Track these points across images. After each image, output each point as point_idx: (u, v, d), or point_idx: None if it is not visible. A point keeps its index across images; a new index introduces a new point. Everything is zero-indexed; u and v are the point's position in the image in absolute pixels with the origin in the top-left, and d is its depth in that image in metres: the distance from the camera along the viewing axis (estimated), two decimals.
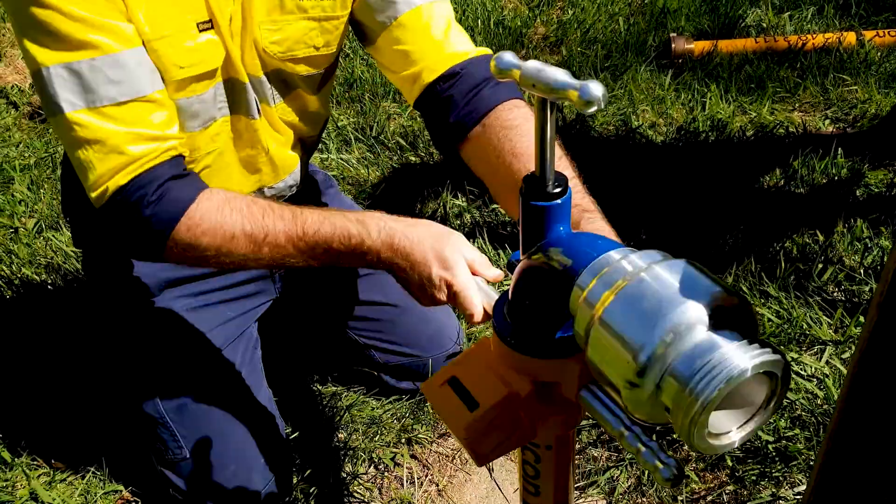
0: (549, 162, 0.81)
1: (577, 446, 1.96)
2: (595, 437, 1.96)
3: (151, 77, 1.31)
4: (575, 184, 1.33)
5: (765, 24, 3.76)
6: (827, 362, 2.03)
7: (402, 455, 1.99)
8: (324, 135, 3.09)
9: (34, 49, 1.23)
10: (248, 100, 1.51)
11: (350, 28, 1.57)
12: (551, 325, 0.86)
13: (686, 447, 1.90)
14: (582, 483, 1.89)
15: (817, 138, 2.93)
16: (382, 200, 2.79)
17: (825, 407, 1.90)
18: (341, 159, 3.00)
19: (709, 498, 1.82)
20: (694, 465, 1.88)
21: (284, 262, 1.33)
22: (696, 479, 1.85)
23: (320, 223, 1.31)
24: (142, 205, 1.27)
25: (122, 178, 1.27)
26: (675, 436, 1.91)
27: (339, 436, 2.01)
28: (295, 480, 1.87)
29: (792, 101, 3.21)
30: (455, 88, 1.44)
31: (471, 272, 1.28)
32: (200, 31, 1.37)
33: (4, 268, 2.61)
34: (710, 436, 0.70)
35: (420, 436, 2.02)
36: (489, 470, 1.97)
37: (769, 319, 2.16)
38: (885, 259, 0.58)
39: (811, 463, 1.80)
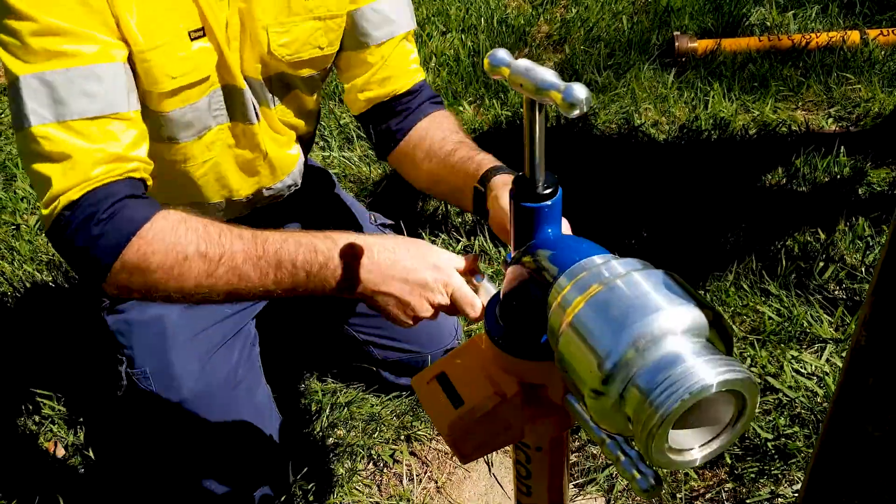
0: (539, 163, 0.80)
1: (577, 444, 1.95)
2: None
3: (127, 95, 1.26)
4: (474, 148, 1.52)
5: (768, 23, 3.75)
6: (827, 360, 2.03)
7: (402, 452, 1.98)
8: (326, 133, 3.09)
9: (8, 59, 1.20)
10: (247, 105, 1.50)
11: None
12: (538, 326, 0.85)
13: None
14: (581, 480, 1.89)
15: (820, 137, 2.92)
16: (384, 198, 2.79)
17: (825, 405, 1.90)
18: (343, 157, 3.00)
19: (708, 495, 1.82)
20: None
21: (242, 289, 1.21)
22: (696, 476, 1.85)
23: (283, 241, 1.21)
24: (91, 222, 1.18)
25: (74, 194, 1.19)
26: None
27: (338, 432, 2.01)
28: (293, 477, 1.87)
29: (795, 100, 3.20)
30: (410, 103, 1.62)
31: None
32: (192, 39, 1.36)
33: (6, 265, 2.61)
34: (672, 451, 0.69)
35: (419, 432, 2.01)
36: (488, 466, 1.97)
37: (770, 317, 2.16)
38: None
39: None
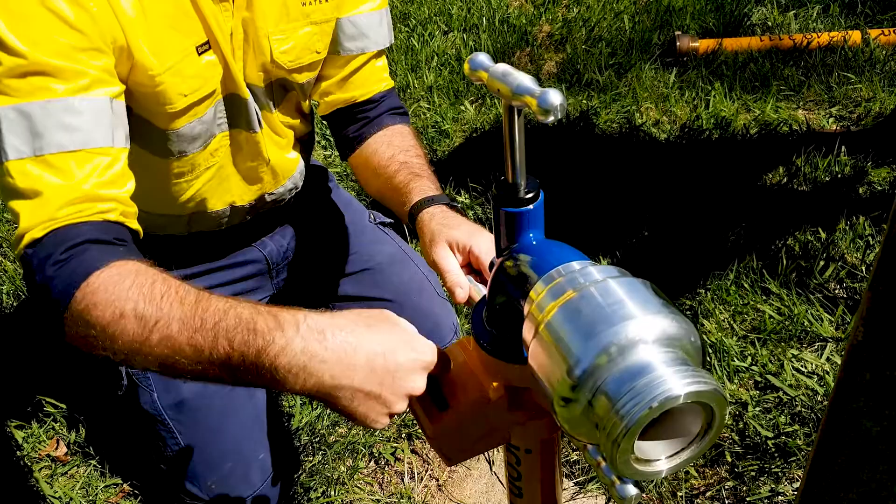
0: (520, 168, 0.80)
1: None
2: None
3: (112, 131, 1.19)
4: (422, 166, 1.57)
5: (770, 23, 3.75)
6: (828, 359, 2.03)
7: (403, 450, 1.99)
8: (327, 132, 3.09)
9: None
10: (250, 113, 1.50)
11: None
12: (521, 330, 0.85)
13: None
14: (582, 479, 1.89)
15: (821, 136, 2.93)
16: None
17: (825, 404, 1.90)
18: None
19: (708, 493, 1.82)
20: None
21: (177, 364, 1.02)
22: (696, 474, 1.85)
23: (224, 312, 1.00)
24: (48, 262, 1.09)
25: (38, 232, 1.11)
26: None
27: (340, 430, 2.01)
28: (295, 475, 1.88)
29: (796, 99, 3.20)
30: (371, 112, 1.65)
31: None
32: (200, 53, 1.35)
33: (7, 263, 2.62)
34: (639, 461, 0.68)
35: (420, 431, 2.02)
36: (489, 465, 1.97)
37: (770, 316, 2.16)
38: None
39: None
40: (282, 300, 1.91)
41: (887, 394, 0.68)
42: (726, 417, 0.69)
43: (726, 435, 1.91)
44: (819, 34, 3.46)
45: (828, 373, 1.99)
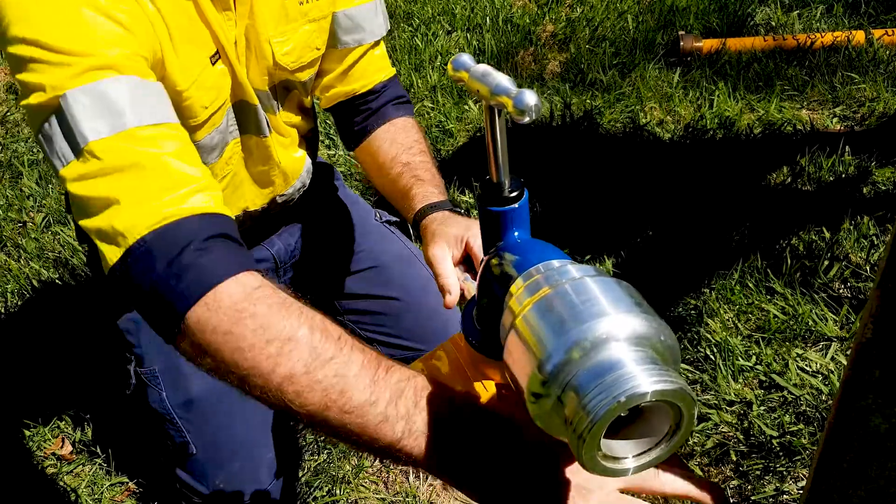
0: (503, 167, 0.81)
1: None
2: None
3: (173, 112, 1.13)
4: (426, 165, 1.57)
5: (773, 23, 3.75)
6: (832, 358, 2.03)
7: None
8: (331, 132, 3.10)
9: (48, 91, 1.04)
10: (259, 119, 1.50)
11: None
12: None
13: (690, 444, 1.90)
14: None
15: (825, 136, 2.93)
16: None
17: (830, 403, 1.90)
18: (349, 155, 3.01)
19: None
20: (698, 459, 1.88)
21: (331, 411, 0.88)
22: (701, 473, 1.86)
23: (408, 378, 0.90)
24: (183, 252, 0.96)
25: (156, 215, 0.99)
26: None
27: None
28: (301, 474, 1.88)
29: (800, 99, 3.20)
30: (373, 103, 1.65)
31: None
32: (213, 64, 1.35)
33: (13, 262, 2.62)
34: (606, 458, 0.69)
35: None
36: None
37: (775, 315, 2.16)
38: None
39: None
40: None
41: None
42: (695, 419, 0.69)
43: (731, 434, 1.91)
44: (823, 34, 3.47)
45: (832, 372, 1.99)
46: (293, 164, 1.67)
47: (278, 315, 0.92)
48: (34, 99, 1.05)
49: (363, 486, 1.91)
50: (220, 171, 1.51)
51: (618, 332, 0.66)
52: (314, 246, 1.86)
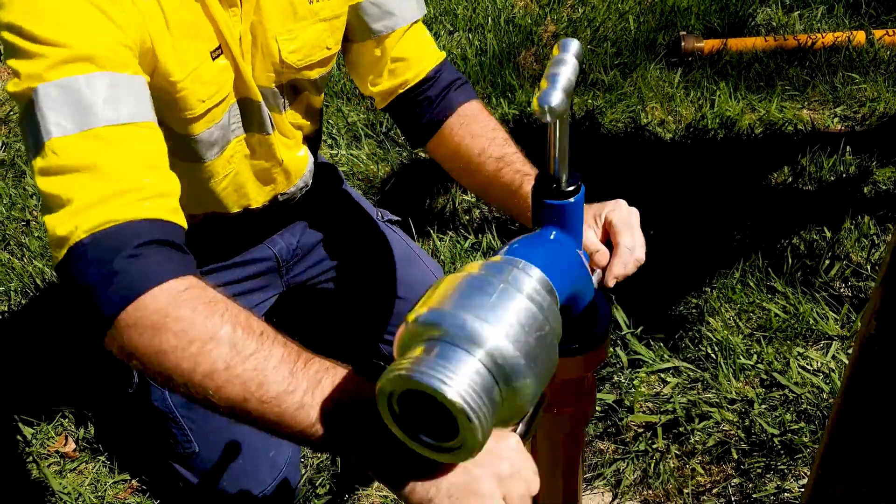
0: (561, 161, 0.85)
1: (585, 439, 1.96)
2: (602, 430, 1.97)
3: (152, 109, 1.14)
4: (520, 156, 1.48)
5: (774, 23, 3.75)
6: (833, 357, 2.04)
7: None
8: (333, 131, 3.11)
9: (24, 81, 1.06)
10: (263, 116, 1.50)
11: None
12: None
13: (692, 442, 1.91)
14: (588, 475, 1.90)
15: (826, 136, 2.93)
16: (391, 196, 2.80)
17: (831, 401, 1.91)
18: (351, 155, 3.02)
19: (714, 490, 1.83)
20: (700, 457, 1.89)
21: (250, 402, 0.94)
22: (702, 472, 1.86)
23: (327, 368, 0.96)
24: (114, 255, 0.98)
25: (100, 216, 1.00)
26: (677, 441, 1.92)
27: None
28: (303, 472, 1.89)
29: (801, 99, 3.21)
30: (430, 91, 1.58)
31: None
32: (214, 59, 1.35)
33: (16, 260, 2.63)
34: (405, 426, 0.77)
35: None
36: None
37: (776, 314, 2.17)
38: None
39: None
40: (291, 298, 1.93)
41: None
42: (475, 443, 0.73)
43: (732, 432, 1.91)
44: (823, 34, 3.47)
45: (833, 370, 2.00)
46: (296, 164, 1.67)
47: (202, 316, 0.96)
48: (11, 87, 1.08)
49: (365, 485, 1.92)
50: (221, 170, 1.51)
51: (470, 335, 0.72)
52: (317, 245, 1.87)
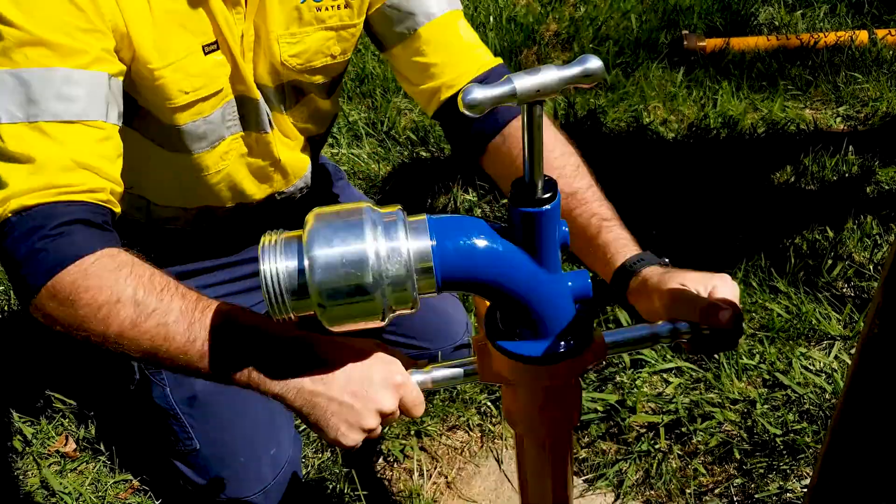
0: (537, 168, 0.84)
1: (587, 440, 1.96)
2: (604, 431, 1.97)
3: (106, 107, 1.19)
4: (594, 192, 1.35)
5: (777, 22, 3.75)
6: (836, 357, 2.03)
7: (412, 447, 1.99)
8: (335, 130, 3.10)
9: None
10: (260, 115, 1.49)
11: (364, 32, 1.55)
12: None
13: (694, 442, 1.91)
14: (590, 476, 1.90)
15: (828, 135, 2.93)
16: (393, 195, 2.80)
17: (833, 401, 1.90)
18: (352, 154, 3.01)
19: (717, 490, 1.83)
20: (702, 458, 1.88)
21: (160, 354, 1.08)
22: (705, 472, 1.86)
23: (224, 313, 1.09)
24: (34, 235, 1.08)
25: (29, 199, 1.09)
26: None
27: None
28: (304, 472, 1.88)
29: (803, 99, 3.20)
30: None
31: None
32: (206, 53, 1.34)
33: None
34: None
35: (429, 428, 2.02)
36: (498, 463, 1.98)
37: (778, 314, 2.16)
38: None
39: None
40: None
41: None
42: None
43: (735, 432, 1.91)
44: (826, 34, 3.47)
45: (836, 371, 2.00)
46: (295, 164, 1.66)
47: (108, 282, 1.07)
48: None
49: (366, 484, 1.92)
50: (213, 166, 1.50)
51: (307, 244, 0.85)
52: None
